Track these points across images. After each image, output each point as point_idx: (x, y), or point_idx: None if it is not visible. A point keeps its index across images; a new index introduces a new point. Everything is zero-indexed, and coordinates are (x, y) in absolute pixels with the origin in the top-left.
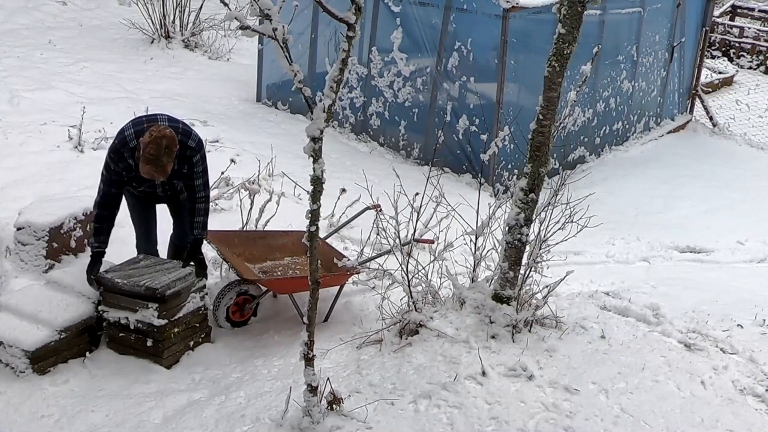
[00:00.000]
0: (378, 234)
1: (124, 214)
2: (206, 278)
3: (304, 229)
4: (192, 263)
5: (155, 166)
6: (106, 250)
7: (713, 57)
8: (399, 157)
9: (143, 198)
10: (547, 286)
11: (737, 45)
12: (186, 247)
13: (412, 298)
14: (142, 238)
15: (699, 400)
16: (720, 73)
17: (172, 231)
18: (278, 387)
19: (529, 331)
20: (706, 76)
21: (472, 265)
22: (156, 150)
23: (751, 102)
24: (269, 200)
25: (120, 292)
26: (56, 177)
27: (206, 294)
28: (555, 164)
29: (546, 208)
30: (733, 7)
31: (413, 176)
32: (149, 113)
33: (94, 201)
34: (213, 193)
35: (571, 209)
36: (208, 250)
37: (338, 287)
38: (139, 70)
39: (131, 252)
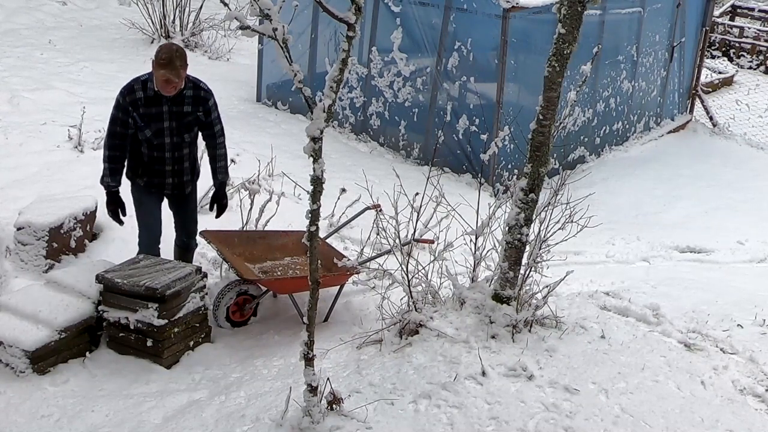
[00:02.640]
0: (378, 234)
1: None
2: (224, 209)
3: (304, 229)
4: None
5: (170, 69)
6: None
7: (713, 57)
8: (399, 157)
9: (149, 192)
10: (547, 286)
11: (737, 45)
12: (189, 247)
13: (412, 298)
14: (144, 233)
15: (699, 400)
16: (720, 73)
17: (175, 236)
18: (278, 387)
19: (529, 331)
20: (706, 76)
21: (472, 265)
22: (168, 53)
23: (751, 102)
24: (269, 200)
25: (120, 292)
26: (56, 177)
27: (206, 294)
28: (555, 164)
29: (546, 208)
30: (733, 7)
31: (413, 176)
32: None
33: (104, 142)
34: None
35: (571, 209)
36: (208, 251)
37: (338, 287)
38: (139, 70)
39: (131, 252)
